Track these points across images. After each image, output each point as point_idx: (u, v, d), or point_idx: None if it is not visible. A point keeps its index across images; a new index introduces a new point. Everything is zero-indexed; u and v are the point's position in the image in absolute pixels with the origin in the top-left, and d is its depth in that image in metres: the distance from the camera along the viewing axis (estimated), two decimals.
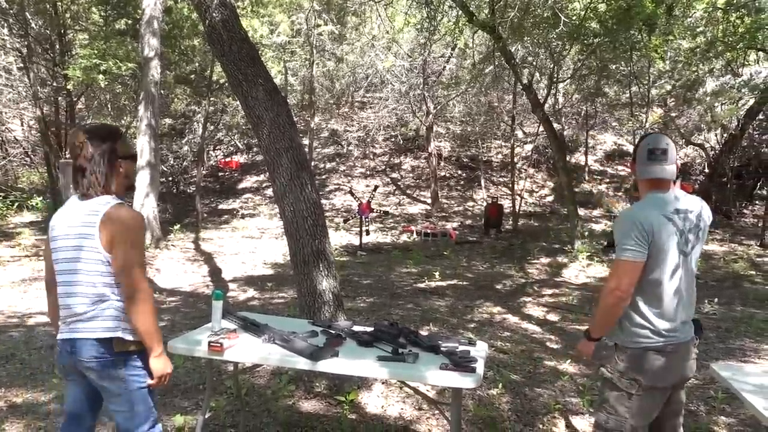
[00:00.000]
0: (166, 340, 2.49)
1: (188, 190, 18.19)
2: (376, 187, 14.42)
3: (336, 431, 3.48)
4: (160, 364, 2.17)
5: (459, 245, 11.87)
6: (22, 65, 14.65)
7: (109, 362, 2.08)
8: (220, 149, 21.14)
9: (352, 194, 13.19)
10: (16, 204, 15.42)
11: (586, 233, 11.76)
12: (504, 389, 4.16)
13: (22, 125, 18.98)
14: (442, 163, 17.89)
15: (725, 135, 15.46)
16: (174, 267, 9.49)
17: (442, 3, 11.20)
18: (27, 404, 3.82)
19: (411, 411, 3.80)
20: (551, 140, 11.43)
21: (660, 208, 2.30)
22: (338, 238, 12.54)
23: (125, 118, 17.58)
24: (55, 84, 14.46)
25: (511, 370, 4.60)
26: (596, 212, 14.57)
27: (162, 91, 13.96)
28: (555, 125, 13.08)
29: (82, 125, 2.74)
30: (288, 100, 17.00)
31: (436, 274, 8.80)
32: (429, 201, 15.80)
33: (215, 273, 9.29)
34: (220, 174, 19.52)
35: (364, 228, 11.83)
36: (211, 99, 15.77)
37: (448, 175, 17.80)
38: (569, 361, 4.88)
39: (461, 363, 2.58)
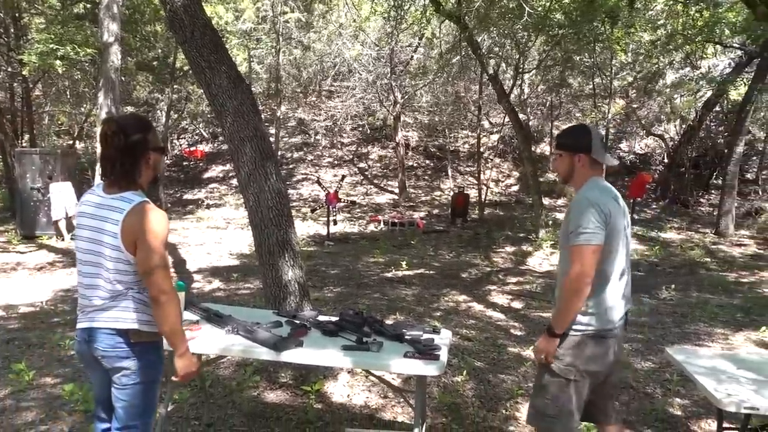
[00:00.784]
0: None
1: (156, 180, 17.77)
2: (344, 176, 14.38)
3: (301, 421, 3.48)
4: (185, 362, 2.17)
5: (426, 235, 11.95)
6: None
7: (126, 352, 2.09)
8: (184, 138, 20.73)
9: (320, 184, 13.12)
10: None
11: (550, 222, 11.98)
12: (468, 376, 4.22)
13: None
14: (410, 153, 17.93)
15: (684, 126, 15.90)
16: None
17: None
18: None
19: (376, 399, 3.83)
20: (517, 130, 11.56)
21: (610, 193, 2.36)
22: (306, 228, 12.47)
23: (85, 105, 17.06)
24: (10, 69, 13.92)
25: (475, 357, 4.67)
26: (560, 201, 14.84)
27: (123, 78, 13.57)
28: (521, 115, 13.24)
29: (113, 115, 2.68)
30: (253, 89, 16.76)
31: (403, 263, 8.85)
32: (396, 191, 15.83)
33: (179, 264, 9.13)
34: (184, 163, 19.15)
35: (331, 218, 11.79)
36: (175, 86, 15.42)
37: (415, 164, 17.86)
38: (532, 347, 4.97)
39: (425, 351, 2.61)
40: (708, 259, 9.91)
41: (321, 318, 3.15)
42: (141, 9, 13.64)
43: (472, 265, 9.18)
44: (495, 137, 17.15)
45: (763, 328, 5.74)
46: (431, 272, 8.58)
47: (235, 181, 16.61)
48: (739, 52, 14.02)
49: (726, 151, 12.99)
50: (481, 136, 15.18)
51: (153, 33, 14.87)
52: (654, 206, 14.71)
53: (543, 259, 9.79)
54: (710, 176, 15.52)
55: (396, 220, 12.79)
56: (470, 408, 3.74)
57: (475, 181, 14.87)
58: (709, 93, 14.45)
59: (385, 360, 2.57)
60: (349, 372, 4.16)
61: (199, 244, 10.74)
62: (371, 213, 14.18)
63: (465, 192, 13.94)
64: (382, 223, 12.89)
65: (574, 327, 2.32)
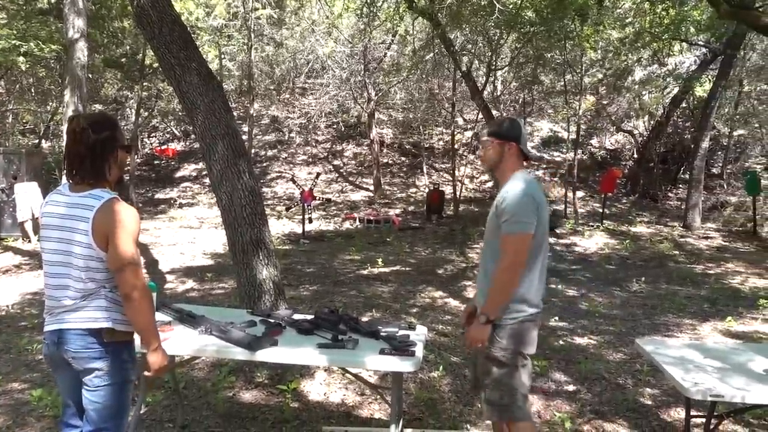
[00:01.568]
0: None
1: (122, 180, 17.46)
2: (319, 174, 14.28)
3: (278, 420, 3.46)
4: (157, 357, 2.15)
5: (402, 231, 11.97)
6: None
7: (96, 352, 2.06)
8: (155, 136, 20.37)
9: (294, 182, 13.03)
10: None
11: None
12: (444, 371, 4.25)
13: None
14: (385, 150, 17.92)
15: (652, 122, 16.22)
16: None
17: None
18: None
19: (353, 397, 3.83)
20: None
21: (538, 185, 2.49)
22: (281, 227, 12.38)
23: (51, 103, 16.65)
24: None
25: (451, 353, 4.70)
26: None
27: (90, 76, 13.27)
28: (494, 112, 13.34)
29: (80, 113, 2.67)
30: (226, 86, 16.57)
31: (379, 260, 8.85)
32: (372, 188, 15.82)
33: (152, 265, 8.98)
34: (155, 162, 18.82)
35: (306, 216, 11.73)
36: (145, 84, 15.13)
37: (390, 161, 17.86)
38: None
39: (400, 347, 2.62)
40: (676, 252, 10.14)
41: (296, 317, 3.14)
42: (108, 4, 13.35)
43: (448, 261, 9.23)
44: (469, 134, 17.26)
45: (729, 318, 5.91)
46: (407, 269, 8.60)
47: (207, 180, 16.38)
48: (704, 50, 14.36)
49: (692, 146, 13.30)
50: (456, 132, 15.25)
51: (121, 29, 14.56)
52: (624, 201, 14.99)
53: None
54: (678, 171, 15.86)
55: (371, 218, 12.79)
56: (447, 403, 3.76)
57: (450, 178, 14.95)
58: (676, 90, 14.77)
59: (361, 357, 2.56)
60: (325, 370, 4.15)
61: (171, 244, 10.58)
62: (347, 211, 14.14)
63: (440, 189, 14.00)
64: (357, 220, 12.87)
65: (511, 315, 2.42)
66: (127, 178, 16.13)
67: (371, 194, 15.57)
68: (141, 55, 14.60)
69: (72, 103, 9.62)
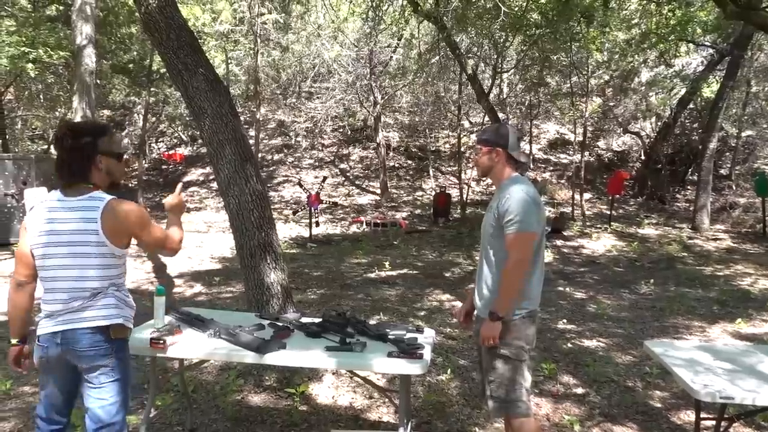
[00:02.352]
0: None
1: (130, 184, 17.56)
2: (325, 178, 14.33)
3: (286, 424, 3.46)
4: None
5: (409, 235, 11.98)
6: None
7: (104, 349, 2.13)
8: (162, 141, 20.50)
9: (301, 186, 13.07)
10: None
11: None
12: (453, 374, 4.24)
13: None
14: (391, 154, 17.94)
15: (659, 123, 16.16)
16: None
17: None
18: None
19: (362, 400, 3.83)
20: None
21: (533, 187, 2.56)
22: (288, 231, 12.41)
23: (59, 109, 16.79)
24: None
25: (459, 356, 4.70)
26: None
27: (98, 81, 13.37)
28: (500, 115, 13.33)
29: (68, 121, 2.81)
30: (232, 91, 16.64)
31: (387, 263, 8.86)
32: (378, 191, 15.84)
33: (160, 269, 9.03)
34: (163, 167, 18.93)
35: (313, 220, 11.76)
36: (152, 89, 15.24)
37: (397, 165, 17.88)
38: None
39: (408, 350, 2.62)
40: (685, 254, 10.09)
41: (304, 320, 3.15)
42: (115, 11, 13.46)
43: (455, 264, 9.22)
44: (475, 137, 17.21)
45: (739, 320, 5.87)
46: (414, 272, 8.60)
47: (215, 184, 16.46)
48: (710, 51, 14.30)
49: (700, 147, 13.24)
50: (462, 135, 15.26)
51: (128, 35, 14.68)
52: (632, 203, 14.93)
53: None
54: (686, 172, 15.79)
55: (378, 221, 12.80)
56: (455, 406, 3.75)
57: (457, 181, 14.95)
58: (683, 91, 14.72)
59: (369, 360, 2.57)
60: (333, 373, 4.15)
61: None
62: (353, 214, 14.17)
63: (447, 192, 14.01)
64: (364, 223, 12.89)
65: (514, 312, 2.50)
66: (135, 182, 16.24)
67: (378, 197, 15.59)
68: (148, 60, 14.71)
69: (80, 108, 9.70)
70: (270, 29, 16.73)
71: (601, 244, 10.95)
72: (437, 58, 13.37)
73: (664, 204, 14.72)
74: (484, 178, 16.52)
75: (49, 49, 10.50)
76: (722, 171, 15.78)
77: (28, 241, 2.16)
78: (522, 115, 17.89)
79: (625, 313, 6.31)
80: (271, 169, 17.66)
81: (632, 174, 15.87)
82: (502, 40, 12.12)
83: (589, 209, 13.94)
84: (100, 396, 2.15)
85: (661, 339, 5.19)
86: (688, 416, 3.59)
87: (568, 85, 14.44)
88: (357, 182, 17.03)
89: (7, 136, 14.80)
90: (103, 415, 2.16)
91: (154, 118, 17.55)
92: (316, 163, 18.06)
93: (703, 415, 2.76)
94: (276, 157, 18.52)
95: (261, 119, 17.79)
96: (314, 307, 6.30)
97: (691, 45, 14.10)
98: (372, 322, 3.01)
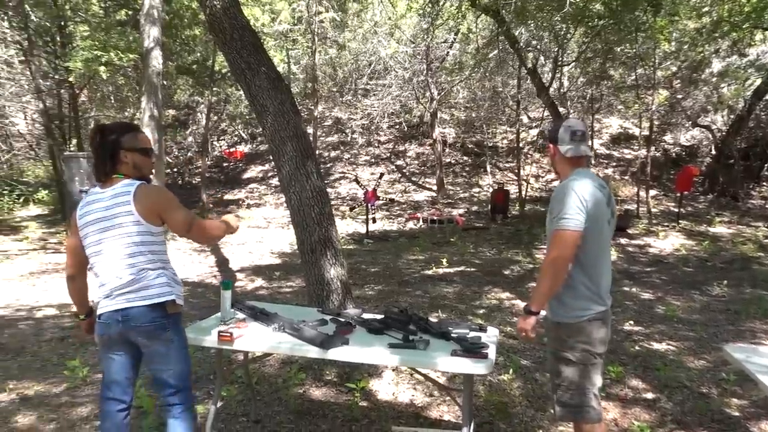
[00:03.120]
0: None
1: (193, 181, 18.19)
2: (382, 174, 14.36)
3: (347, 419, 3.48)
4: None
5: (465, 232, 11.84)
6: (23, 58, 14.57)
7: (162, 324, 2.32)
8: (224, 139, 21.10)
9: (358, 182, 13.15)
10: (23, 198, 15.47)
11: None
12: (515, 374, 4.15)
13: (25, 118, 18.96)
14: (447, 150, 17.79)
15: (732, 116, 15.30)
16: (180, 258, 9.51)
17: None
18: (39, 396, 3.84)
19: (422, 397, 3.80)
20: None
21: (594, 181, 2.44)
22: (344, 227, 12.53)
23: (129, 109, 17.54)
24: (57, 77, 14.42)
25: (521, 356, 4.59)
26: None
27: (164, 82, 13.89)
28: (560, 109, 12.97)
29: (100, 123, 3.07)
30: (291, 89, 16.92)
31: (444, 260, 8.78)
32: (435, 188, 15.74)
33: (222, 263, 9.30)
34: (224, 164, 19.50)
35: (370, 216, 11.81)
36: (214, 89, 15.70)
37: (453, 161, 17.72)
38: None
39: (473, 349, 2.57)
40: (761, 254, 9.51)
41: (365, 316, 3.14)
42: (180, 14, 13.92)
43: (514, 262, 9.05)
44: (534, 132, 16.87)
45: None
46: (472, 269, 8.49)
47: (274, 181, 16.81)
48: None
49: None
50: (520, 130, 14.94)
51: (192, 37, 15.16)
52: (701, 200, 14.22)
53: None
54: (761, 168, 14.88)
55: (435, 218, 12.73)
56: (518, 407, 3.67)
57: (515, 177, 14.66)
58: (758, 81, 13.86)
59: (433, 358, 2.53)
60: (393, 370, 4.15)
61: (240, 244, 10.92)
62: (410, 210, 14.14)
63: (505, 188, 13.76)
64: (421, 220, 12.84)
65: (577, 313, 2.42)
66: (198, 179, 16.79)
67: (434, 194, 15.50)
68: (211, 61, 15.15)
69: (148, 108, 10.08)
70: (327, 27, 16.91)
71: (669, 242, 10.48)
72: (495, 52, 13.15)
73: (737, 201, 13.93)
74: (543, 175, 16.20)
75: (119, 52, 10.96)
76: None
77: (76, 234, 2.37)
78: (583, 110, 17.33)
79: (696, 316, 6.00)
80: (328, 165, 17.87)
81: (702, 170, 15.10)
82: (563, 32, 11.78)
83: (655, 206, 13.36)
84: (167, 366, 2.36)
85: (738, 343, 4.90)
86: None
87: (633, 77, 13.87)
88: (413, 179, 16.99)
89: (82, 136, 15.59)
90: (173, 381, 2.38)
91: (216, 117, 18.08)
92: (373, 160, 18.13)
93: None
94: (333, 154, 18.72)
95: (318, 117, 18.03)
96: (372, 303, 6.32)
97: (767, 33, 13.25)
98: (432, 319, 2.98)
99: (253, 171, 18.67)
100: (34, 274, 8.23)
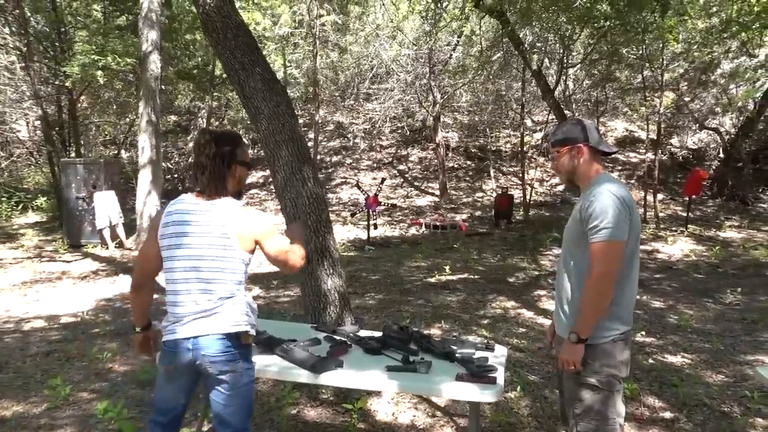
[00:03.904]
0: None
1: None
2: (383, 179, 14.13)
3: None
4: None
5: (469, 237, 11.60)
6: (23, 64, 14.43)
7: (234, 355, 2.13)
8: None
9: (359, 187, 12.94)
10: (21, 205, 15.30)
11: None
12: (523, 392, 3.91)
13: (27, 125, 18.83)
14: (450, 154, 17.57)
15: (741, 118, 15.04)
16: None
17: None
18: (17, 417, 3.62)
19: (424, 418, 3.56)
20: None
21: (624, 187, 2.19)
22: (345, 233, 12.30)
23: (129, 115, 17.39)
24: (57, 82, 14.27)
25: (529, 371, 4.35)
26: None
27: (163, 87, 13.72)
28: (566, 112, 12.74)
29: (208, 128, 2.91)
30: (291, 93, 16.75)
31: (447, 267, 8.54)
32: (437, 193, 15.51)
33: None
34: None
35: (371, 222, 11.59)
36: (215, 94, 15.54)
37: (456, 165, 17.49)
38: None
39: (479, 373, 2.34)
40: None
41: (362, 333, 2.92)
42: (179, 18, 13.77)
43: (519, 269, 8.80)
44: (538, 136, 16.63)
45: None
46: (476, 277, 8.25)
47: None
48: None
49: None
50: (524, 134, 14.71)
51: (192, 41, 15.00)
52: (710, 204, 13.94)
53: None
54: None
55: (438, 223, 12.49)
56: (526, 429, 3.43)
57: (519, 182, 14.43)
58: None
59: (435, 383, 2.30)
60: None
61: None
62: (412, 216, 13.91)
63: (509, 193, 13.51)
64: (423, 226, 12.61)
65: (603, 334, 2.16)
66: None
67: (437, 199, 15.27)
68: (211, 66, 14.99)
69: (146, 113, 9.90)
70: (329, 31, 16.74)
71: (678, 248, 10.22)
72: (499, 54, 12.94)
73: (746, 205, 13.65)
74: (548, 179, 15.95)
75: (117, 56, 10.80)
76: None
77: (155, 240, 2.18)
78: (588, 112, 17.11)
79: (710, 326, 5.75)
80: (329, 171, 17.67)
81: (710, 173, 14.82)
82: (568, 33, 11.55)
83: (663, 211, 13.10)
84: (231, 402, 2.15)
85: (759, 358, 4.65)
86: None
87: (639, 79, 13.63)
88: (415, 183, 16.76)
89: (82, 142, 15.46)
90: (234, 421, 2.17)
91: (216, 122, 17.90)
92: (375, 165, 17.92)
93: None
94: (334, 159, 18.52)
95: (320, 121, 17.84)
96: (372, 313, 6.08)
97: None
98: (434, 331, 2.75)
99: (254, 176, 18.47)
100: (26, 283, 8.03)
